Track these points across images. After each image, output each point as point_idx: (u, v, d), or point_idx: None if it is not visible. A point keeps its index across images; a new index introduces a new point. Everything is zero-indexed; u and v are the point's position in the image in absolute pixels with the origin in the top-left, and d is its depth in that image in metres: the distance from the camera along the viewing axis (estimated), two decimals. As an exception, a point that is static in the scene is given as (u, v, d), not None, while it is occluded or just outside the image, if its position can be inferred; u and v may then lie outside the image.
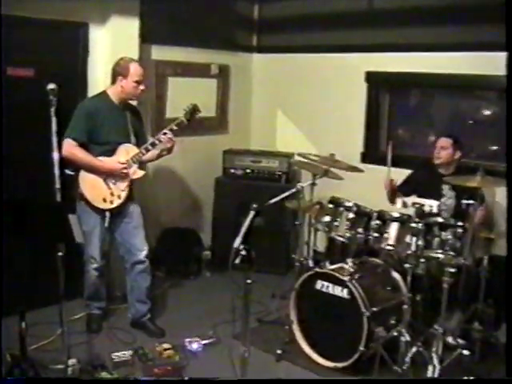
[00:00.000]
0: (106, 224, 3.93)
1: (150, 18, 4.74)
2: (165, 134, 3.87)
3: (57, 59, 4.29)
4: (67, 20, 4.24)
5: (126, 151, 3.91)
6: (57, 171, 3.00)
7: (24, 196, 3.94)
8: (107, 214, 3.91)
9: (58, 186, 2.99)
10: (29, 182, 4.05)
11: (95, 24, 4.44)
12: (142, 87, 3.90)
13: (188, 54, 5.29)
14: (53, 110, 3.06)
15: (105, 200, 3.90)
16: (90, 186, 3.87)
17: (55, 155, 3.03)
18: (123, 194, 3.94)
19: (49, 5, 4.02)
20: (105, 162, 3.86)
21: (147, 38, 4.78)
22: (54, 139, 3.06)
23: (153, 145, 3.90)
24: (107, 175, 3.88)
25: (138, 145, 3.97)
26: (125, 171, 3.88)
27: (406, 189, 4.39)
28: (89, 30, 4.44)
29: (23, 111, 4.05)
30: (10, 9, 3.73)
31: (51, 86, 3.07)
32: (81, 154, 3.78)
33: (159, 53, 5.05)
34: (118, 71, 3.85)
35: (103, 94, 3.95)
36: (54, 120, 3.06)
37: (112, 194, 3.91)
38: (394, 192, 4.38)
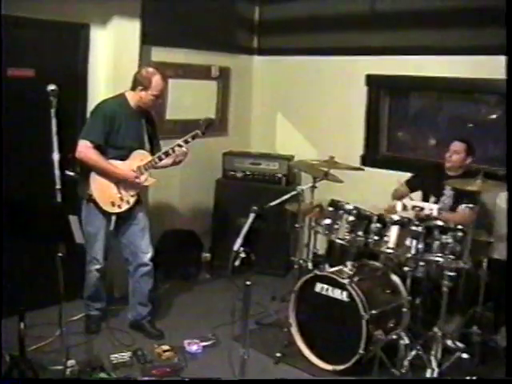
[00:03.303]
0: (112, 227, 3.93)
1: (151, 20, 4.74)
2: (180, 146, 3.87)
3: (57, 60, 4.29)
4: (68, 21, 4.24)
5: (140, 158, 3.91)
6: (57, 172, 3.00)
7: (24, 197, 3.94)
8: (113, 217, 3.92)
9: (58, 186, 2.99)
10: (29, 182, 4.05)
11: (96, 25, 4.44)
12: (160, 100, 3.92)
13: (188, 55, 5.29)
14: (53, 110, 3.06)
15: (113, 204, 3.89)
16: (100, 189, 3.85)
17: (55, 156, 3.03)
18: (132, 200, 3.94)
19: (50, 5, 4.02)
20: (119, 168, 3.84)
21: (148, 39, 4.78)
22: (54, 140, 3.06)
23: (166, 154, 3.89)
24: (119, 181, 3.87)
25: (152, 152, 3.98)
26: (137, 180, 3.87)
27: (413, 183, 4.48)
28: (90, 31, 4.44)
29: (23, 112, 4.05)
30: (10, 9, 3.72)
31: (51, 86, 3.08)
32: (95, 157, 3.75)
33: (160, 54, 5.04)
34: (140, 81, 3.83)
35: (122, 97, 3.92)
36: (54, 121, 3.06)
37: (121, 199, 3.90)
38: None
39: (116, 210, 3.90)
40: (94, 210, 3.88)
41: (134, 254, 4.07)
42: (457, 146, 4.26)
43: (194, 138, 3.89)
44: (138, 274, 4.09)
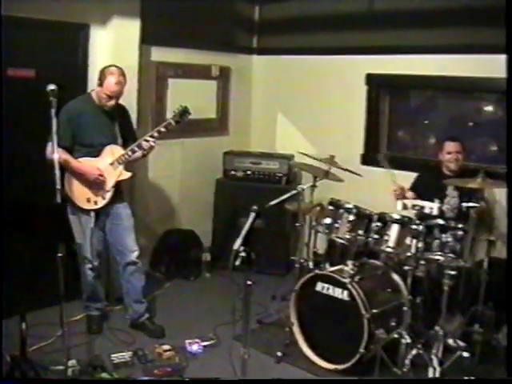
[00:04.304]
0: (91, 224, 3.92)
1: (151, 20, 4.74)
2: (147, 141, 3.86)
3: (57, 60, 4.29)
4: (68, 21, 4.24)
5: (112, 152, 3.91)
6: (57, 172, 2.99)
7: (24, 197, 3.95)
8: (92, 214, 3.91)
9: (58, 186, 2.99)
10: (29, 182, 4.05)
11: (96, 25, 4.44)
12: (112, 102, 3.84)
13: (188, 55, 5.29)
14: (53, 110, 3.06)
15: (89, 200, 3.89)
16: (75, 187, 3.86)
17: (55, 156, 3.03)
18: (107, 195, 3.93)
19: (50, 6, 4.02)
20: (83, 164, 3.83)
21: (148, 39, 4.78)
22: (55, 140, 3.06)
23: (139, 147, 3.88)
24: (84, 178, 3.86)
25: (127, 145, 3.96)
26: (100, 179, 3.85)
27: (416, 187, 4.45)
28: (89, 31, 4.44)
29: (23, 112, 4.05)
30: (10, 9, 3.73)
31: (51, 86, 3.08)
32: (63, 156, 3.72)
33: (160, 54, 5.05)
34: (99, 76, 3.83)
35: (87, 95, 3.96)
36: (54, 121, 3.06)
37: (96, 195, 3.91)
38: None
39: (92, 206, 3.90)
40: (76, 209, 3.89)
41: (121, 253, 4.07)
42: (454, 146, 4.28)
43: (166, 127, 3.89)
44: (127, 273, 4.10)
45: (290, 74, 5.73)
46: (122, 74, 3.84)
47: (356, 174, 4.25)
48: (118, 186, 3.99)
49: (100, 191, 3.90)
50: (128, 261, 4.06)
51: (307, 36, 5.53)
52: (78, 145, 3.84)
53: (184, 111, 3.92)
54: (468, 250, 3.56)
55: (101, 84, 3.80)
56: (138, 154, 3.94)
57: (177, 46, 5.17)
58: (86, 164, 3.84)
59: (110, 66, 3.85)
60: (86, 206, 3.90)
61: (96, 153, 3.89)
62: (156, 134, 3.87)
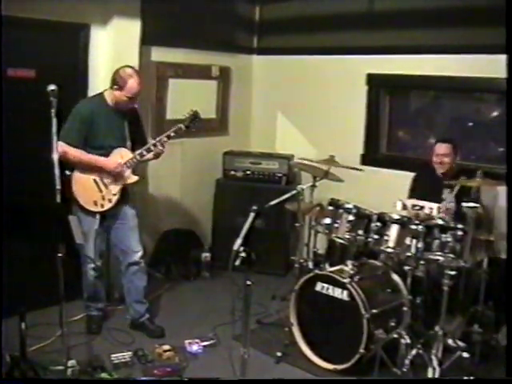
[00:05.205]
0: (96, 226, 3.93)
1: (151, 20, 4.75)
2: (155, 145, 3.85)
3: (58, 60, 4.29)
4: (68, 21, 4.24)
5: (120, 155, 3.90)
6: (57, 172, 3.00)
7: (24, 197, 3.94)
8: (97, 216, 3.92)
9: (58, 186, 2.99)
10: (29, 182, 4.04)
11: (96, 25, 4.44)
12: (134, 103, 3.86)
13: (189, 55, 5.29)
14: (53, 111, 3.06)
15: (96, 203, 3.89)
16: (82, 189, 3.86)
17: (55, 156, 3.03)
18: (114, 198, 3.93)
19: (50, 6, 4.02)
20: (99, 157, 3.85)
21: (148, 39, 4.78)
22: (55, 140, 3.07)
23: (148, 150, 3.88)
24: (100, 176, 3.86)
25: (136, 148, 3.95)
26: (119, 169, 3.85)
27: (415, 193, 4.41)
28: (90, 32, 4.44)
29: (23, 112, 4.05)
30: (10, 9, 3.72)
31: (52, 87, 3.08)
32: (76, 153, 3.75)
33: (160, 54, 5.05)
34: (116, 80, 3.79)
35: (100, 96, 3.93)
36: (54, 121, 3.06)
37: (103, 198, 3.90)
38: None
39: (99, 209, 3.91)
40: (81, 210, 3.89)
41: (125, 253, 4.08)
42: (444, 148, 4.25)
43: (176, 132, 3.88)
44: (129, 273, 4.10)
45: (290, 74, 5.72)
46: (138, 72, 3.87)
47: (357, 169, 4.24)
48: (125, 188, 3.99)
49: (108, 194, 3.89)
50: (131, 261, 4.07)
51: (307, 36, 5.53)
52: (89, 147, 3.83)
53: (195, 116, 3.92)
54: (468, 250, 3.56)
55: (120, 88, 3.76)
56: (149, 155, 3.93)
57: (177, 46, 5.17)
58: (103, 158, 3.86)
59: (124, 67, 3.82)
60: (93, 209, 3.90)
61: (105, 155, 3.88)
62: (165, 139, 3.86)
